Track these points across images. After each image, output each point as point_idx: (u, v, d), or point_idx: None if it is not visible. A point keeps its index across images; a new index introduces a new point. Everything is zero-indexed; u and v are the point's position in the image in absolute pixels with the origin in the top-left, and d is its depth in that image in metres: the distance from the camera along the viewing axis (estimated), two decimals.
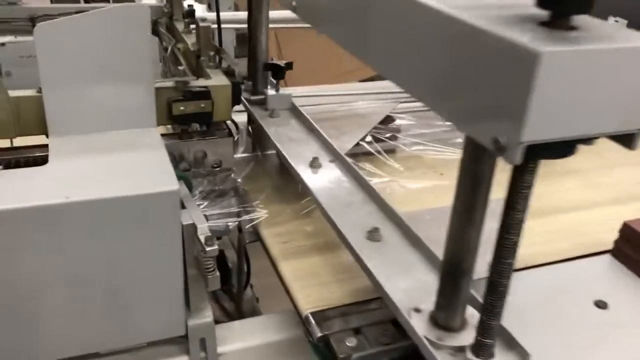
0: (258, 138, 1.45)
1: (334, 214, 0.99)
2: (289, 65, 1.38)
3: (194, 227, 0.99)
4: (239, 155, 1.41)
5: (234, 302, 1.55)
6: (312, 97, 1.50)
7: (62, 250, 0.87)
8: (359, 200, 1.05)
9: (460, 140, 1.48)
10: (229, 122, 1.29)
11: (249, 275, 1.57)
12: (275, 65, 1.37)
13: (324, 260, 1.07)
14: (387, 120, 1.46)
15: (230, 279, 1.54)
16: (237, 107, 1.49)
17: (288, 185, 1.28)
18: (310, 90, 1.81)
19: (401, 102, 1.54)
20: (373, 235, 0.94)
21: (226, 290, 1.59)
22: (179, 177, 1.12)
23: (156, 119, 1.11)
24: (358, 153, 1.34)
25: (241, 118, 1.54)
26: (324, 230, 1.13)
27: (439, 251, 0.76)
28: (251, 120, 1.48)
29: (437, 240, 0.76)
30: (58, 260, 0.87)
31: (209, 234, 0.98)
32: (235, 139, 1.37)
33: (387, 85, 1.81)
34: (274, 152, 1.44)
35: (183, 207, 1.04)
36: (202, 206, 1.17)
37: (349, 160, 1.16)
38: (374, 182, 1.18)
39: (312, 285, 1.00)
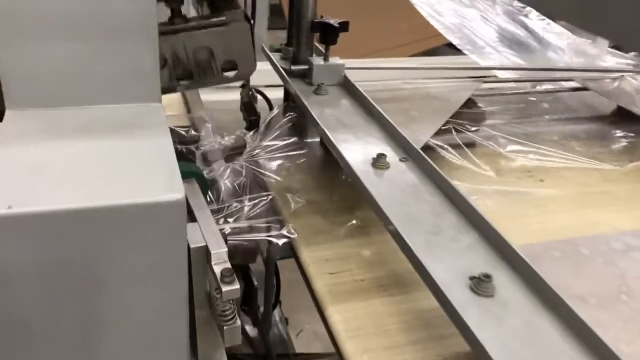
0: (297, 121, 1.11)
1: (416, 245, 0.65)
2: (344, 26, 1.03)
3: (205, 252, 0.67)
4: (271, 142, 1.08)
5: (258, 328, 1.23)
6: (368, 69, 1.15)
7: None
8: (451, 225, 0.71)
9: (556, 138, 1.13)
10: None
11: (278, 295, 1.25)
12: (325, 25, 1.02)
13: (392, 306, 0.73)
14: (467, 104, 1.11)
15: (255, 299, 1.22)
16: (271, 80, 1.16)
17: (338, 186, 0.95)
18: (363, 62, 1.46)
19: (485, 82, 1.18)
20: (481, 285, 0.60)
21: (249, 311, 1.27)
22: (190, 174, 0.81)
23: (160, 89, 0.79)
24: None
25: (275, 94, 1.20)
26: (389, 254, 0.80)
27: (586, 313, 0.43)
28: (289, 97, 1.14)
29: (580, 295, 0.43)
30: None
31: (228, 264, 0.66)
32: (268, 119, 1.04)
33: (458, 61, 1.46)
34: (317, 140, 1.11)
35: (191, 218, 0.73)
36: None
37: (430, 160, 0.81)
38: None
39: (375, 348, 0.67)
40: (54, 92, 0.74)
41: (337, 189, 0.94)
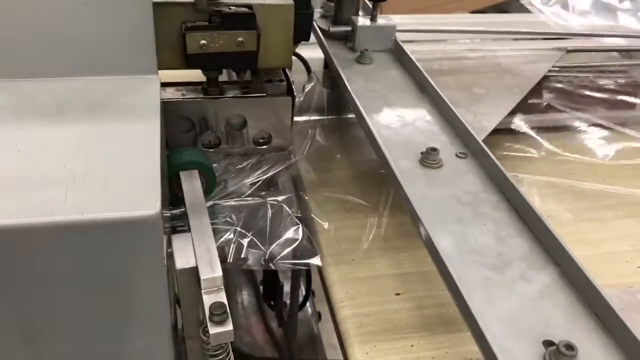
0: (336, 93, 0.93)
1: (470, 290, 0.48)
2: None
3: (196, 274, 0.52)
4: (304, 117, 0.90)
5: (283, 328, 1.09)
6: (425, 32, 0.94)
7: None
8: (521, 255, 0.53)
9: None
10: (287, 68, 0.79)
11: (307, 295, 1.10)
12: None
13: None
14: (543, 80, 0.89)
15: (280, 297, 1.08)
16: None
17: (380, 181, 0.78)
18: (419, 20, 1.25)
19: (569, 51, 0.96)
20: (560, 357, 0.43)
21: (274, 306, 1.13)
22: (191, 164, 0.65)
23: (157, 59, 0.63)
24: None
25: (312, 52, 1.01)
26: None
27: None
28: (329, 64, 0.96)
29: None
30: None
31: (222, 293, 0.51)
32: (300, 96, 0.87)
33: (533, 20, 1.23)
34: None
35: (185, 228, 0.58)
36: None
37: (495, 159, 0.63)
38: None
39: None
40: (26, 60, 0.60)
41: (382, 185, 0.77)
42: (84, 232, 0.45)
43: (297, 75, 1.05)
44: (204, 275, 0.52)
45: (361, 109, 0.71)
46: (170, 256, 0.55)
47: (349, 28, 0.88)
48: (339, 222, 0.72)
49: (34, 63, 0.60)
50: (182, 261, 0.53)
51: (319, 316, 1.13)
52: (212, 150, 0.76)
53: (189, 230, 0.58)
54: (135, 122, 0.56)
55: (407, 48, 0.85)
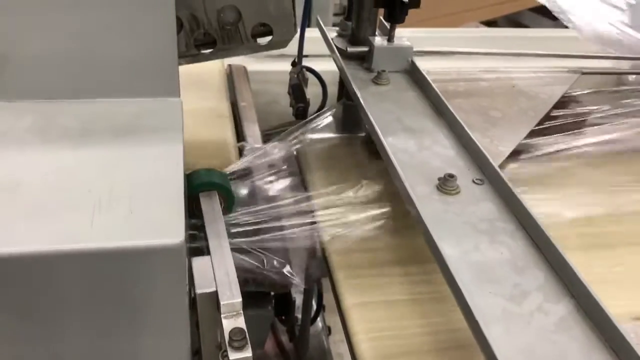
0: (351, 111, 0.94)
1: (489, 323, 0.48)
2: (415, 1, 0.84)
3: (216, 298, 0.53)
4: (319, 135, 0.91)
5: (294, 344, 1.10)
6: (441, 54, 0.95)
7: None
8: (538, 285, 0.53)
9: None
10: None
11: (319, 310, 1.11)
12: (392, 0, 0.83)
13: None
14: (565, 103, 0.90)
15: (293, 312, 1.09)
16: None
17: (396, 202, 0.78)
18: (430, 35, 1.25)
19: (584, 73, 0.96)
20: None
21: (285, 320, 1.14)
22: (210, 185, 0.66)
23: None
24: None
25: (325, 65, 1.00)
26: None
27: None
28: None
29: None
30: None
31: (241, 318, 0.52)
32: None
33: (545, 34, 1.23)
34: None
35: (204, 251, 0.59)
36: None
37: (511, 185, 0.63)
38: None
39: None
40: (49, 81, 0.61)
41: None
42: (108, 259, 0.46)
43: (310, 87, 1.06)
44: (223, 300, 0.53)
45: (379, 132, 0.72)
46: (190, 278, 0.55)
47: (366, 49, 0.89)
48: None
49: (58, 85, 0.61)
50: (202, 285, 0.54)
51: (329, 330, 1.14)
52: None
53: (208, 252, 0.59)
54: (159, 146, 0.57)
55: (423, 68, 0.86)
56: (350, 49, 0.90)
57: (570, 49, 1.19)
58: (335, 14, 2.59)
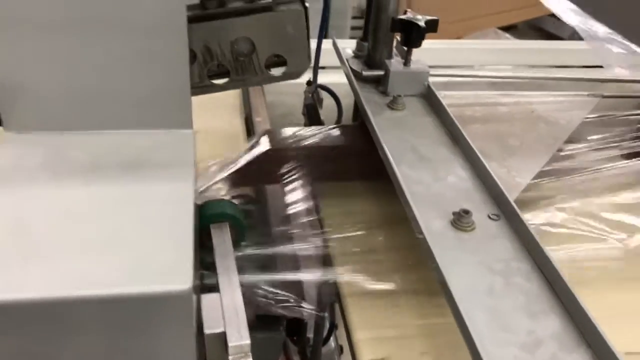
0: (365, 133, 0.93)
1: None
2: (432, 25, 0.82)
3: (224, 339, 0.52)
4: None
5: None
6: (458, 77, 0.93)
7: None
8: (552, 334, 0.52)
9: None
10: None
11: (331, 329, 1.10)
12: (409, 24, 0.82)
13: None
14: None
15: (304, 333, 1.08)
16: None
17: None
18: (447, 46, 1.23)
19: (604, 96, 0.94)
20: None
21: (297, 341, 1.13)
22: (221, 216, 0.66)
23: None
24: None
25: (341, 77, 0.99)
26: None
27: None
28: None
29: None
30: None
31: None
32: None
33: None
34: None
35: (213, 288, 0.58)
36: None
37: (527, 224, 0.62)
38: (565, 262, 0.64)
39: None
40: (61, 112, 0.61)
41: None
42: (114, 304, 0.46)
43: (326, 99, 1.05)
44: (231, 342, 0.52)
45: (392, 162, 0.71)
46: (199, 316, 0.55)
47: (382, 72, 0.88)
48: None
49: (70, 116, 0.61)
50: (211, 325, 0.53)
51: (340, 349, 1.13)
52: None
53: (218, 289, 0.58)
54: (169, 183, 0.57)
55: (440, 93, 0.84)
56: (365, 73, 0.89)
57: (589, 61, 1.17)
58: (354, 17, 2.57)
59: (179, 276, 0.47)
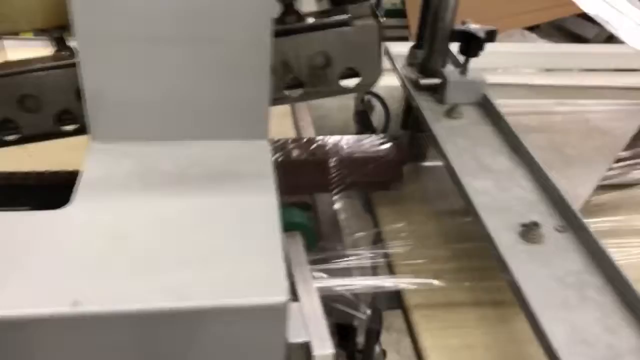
0: (417, 141, 0.94)
1: None
2: (491, 36, 0.83)
3: (307, 349, 0.54)
4: None
5: None
6: (513, 86, 0.94)
7: None
8: (629, 348, 0.53)
9: None
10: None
11: (378, 333, 1.12)
12: (469, 35, 0.83)
13: None
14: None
15: (353, 340, 1.10)
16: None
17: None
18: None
19: None
20: None
21: (346, 346, 1.15)
22: (293, 226, 0.67)
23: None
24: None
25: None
26: None
27: None
28: (409, 109, 0.96)
29: None
30: None
31: None
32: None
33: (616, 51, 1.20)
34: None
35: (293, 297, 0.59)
36: None
37: (594, 236, 0.63)
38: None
39: None
40: (146, 124, 0.63)
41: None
42: (213, 316, 0.48)
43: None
44: (316, 351, 0.54)
45: (457, 172, 0.72)
46: None
47: (439, 81, 0.89)
48: None
49: (152, 126, 0.63)
50: (295, 335, 0.55)
51: (384, 354, 1.15)
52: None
53: (296, 299, 0.60)
54: (253, 194, 0.58)
55: (497, 102, 0.85)
56: (422, 81, 0.89)
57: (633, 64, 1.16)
58: None
59: (275, 288, 0.48)
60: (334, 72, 0.69)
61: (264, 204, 0.57)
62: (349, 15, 0.68)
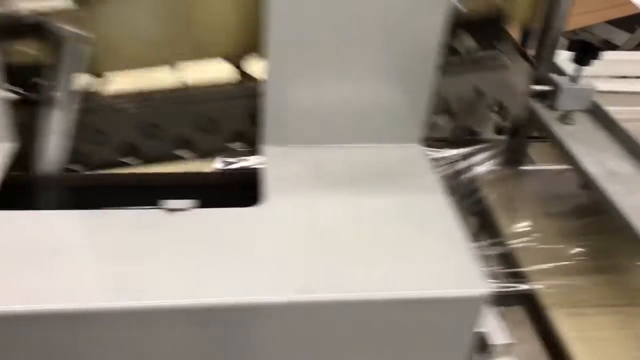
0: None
1: None
2: (607, 46, 0.87)
3: (484, 339, 0.57)
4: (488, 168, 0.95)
5: None
6: (621, 94, 0.97)
7: None
8: None
9: None
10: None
11: None
12: (586, 45, 0.86)
13: None
14: None
15: None
16: None
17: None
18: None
19: None
20: None
21: None
22: None
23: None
24: None
25: None
26: None
27: None
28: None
29: None
30: None
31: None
32: None
33: None
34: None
35: None
36: None
37: None
38: None
39: None
40: (318, 129, 0.66)
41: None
42: (417, 306, 0.51)
43: None
44: (496, 341, 0.57)
45: (596, 178, 0.75)
46: None
47: (550, 88, 0.92)
48: None
49: (322, 131, 0.66)
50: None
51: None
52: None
53: None
54: (427, 193, 0.61)
55: (609, 109, 0.88)
56: (534, 88, 0.93)
57: None
58: None
59: (476, 281, 0.51)
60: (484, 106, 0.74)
61: (437, 202, 0.60)
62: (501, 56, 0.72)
